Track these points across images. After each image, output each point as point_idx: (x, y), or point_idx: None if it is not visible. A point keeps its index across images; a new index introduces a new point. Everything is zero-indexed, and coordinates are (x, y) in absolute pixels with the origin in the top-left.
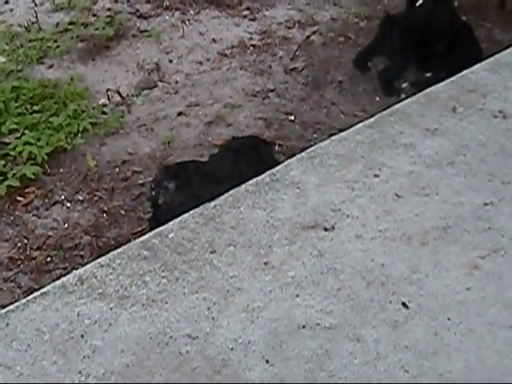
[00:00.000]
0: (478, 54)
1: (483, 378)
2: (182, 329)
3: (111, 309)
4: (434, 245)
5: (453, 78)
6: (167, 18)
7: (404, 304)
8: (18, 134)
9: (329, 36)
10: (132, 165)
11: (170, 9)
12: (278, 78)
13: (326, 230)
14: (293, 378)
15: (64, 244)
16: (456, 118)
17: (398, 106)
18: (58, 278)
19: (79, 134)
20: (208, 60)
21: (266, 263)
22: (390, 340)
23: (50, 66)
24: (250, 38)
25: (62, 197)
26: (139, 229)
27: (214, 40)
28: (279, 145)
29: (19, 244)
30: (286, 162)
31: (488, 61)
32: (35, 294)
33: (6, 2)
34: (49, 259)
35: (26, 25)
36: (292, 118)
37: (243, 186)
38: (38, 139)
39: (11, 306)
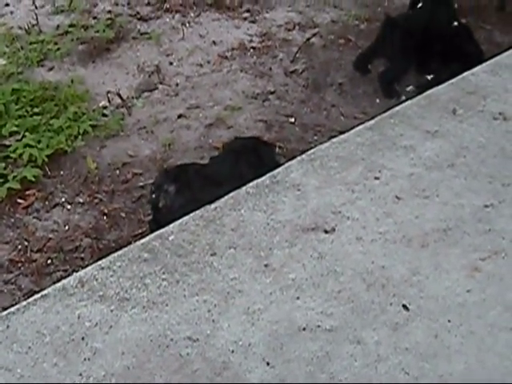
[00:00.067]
0: (479, 55)
1: (484, 380)
2: (183, 331)
3: (112, 311)
4: (434, 247)
5: (453, 80)
6: (167, 20)
7: (404, 306)
8: (19, 137)
9: (329, 38)
10: (132, 167)
11: (171, 11)
12: (279, 81)
13: (326, 232)
14: (293, 380)
15: (64, 246)
16: (456, 120)
17: (398, 108)
18: (59, 280)
19: (79, 137)
20: (208, 62)
21: (266, 265)
22: (391, 342)
23: (51, 69)
24: (250, 41)
25: (63, 199)
26: (140, 231)
27: (214, 42)
28: (279, 147)
29: (20, 246)
30: (286, 165)
31: (488, 63)
32: (36, 296)
33: (7, 5)
34: (49, 261)
35: (26, 27)
36: (292, 120)
37: (243, 188)
38: (39, 141)
39: (12, 309)
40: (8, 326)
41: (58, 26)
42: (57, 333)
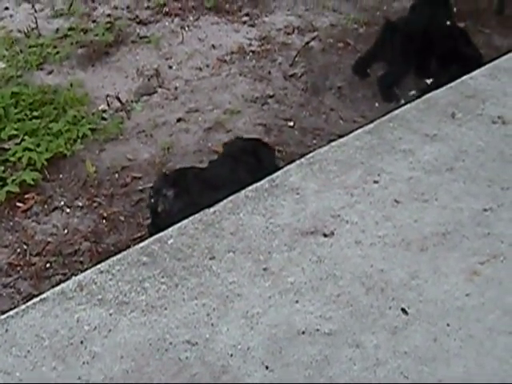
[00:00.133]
0: (478, 59)
1: None
2: (182, 335)
3: (111, 315)
4: (433, 251)
5: (452, 84)
6: (167, 24)
7: (403, 310)
8: (18, 140)
9: (328, 42)
10: (131, 171)
11: (170, 15)
12: (278, 84)
13: (325, 235)
14: None
15: (63, 250)
16: (455, 123)
17: (397, 111)
18: (58, 284)
19: (79, 140)
20: (207, 66)
21: (265, 269)
22: (390, 346)
23: (50, 72)
24: (250, 44)
25: (62, 203)
26: (139, 235)
27: (213, 46)
28: (279, 151)
29: (19, 250)
30: (285, 168)
31: (487, 66)
32: (35, 300)
33: (6, 8)
34: (48, 265)
35: (25, 31)
36: (291, 123)
37: (242, 192)
38: (38, 145)
39: (11, 312)
40: (7, 330)
41: (57, 30)
42: (56, 336)
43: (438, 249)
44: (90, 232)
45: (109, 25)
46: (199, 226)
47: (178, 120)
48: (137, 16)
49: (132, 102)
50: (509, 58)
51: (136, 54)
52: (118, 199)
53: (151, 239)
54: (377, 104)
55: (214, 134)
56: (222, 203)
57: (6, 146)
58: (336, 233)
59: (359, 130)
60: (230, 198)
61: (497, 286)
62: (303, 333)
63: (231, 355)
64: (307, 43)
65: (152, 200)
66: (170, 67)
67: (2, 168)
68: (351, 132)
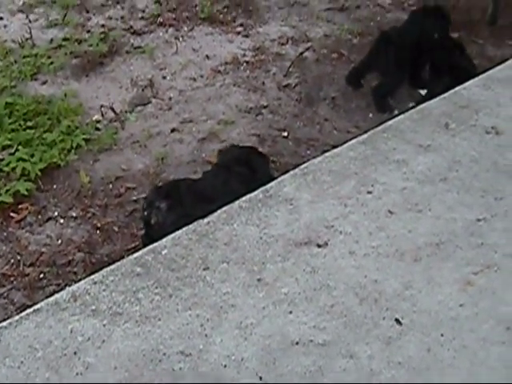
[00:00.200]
0: (472, 70)
1: None
2: (176, 346)
3: (104, 325)
4: (426, 261)
5: (445, 95)
6: (161, 34)
7: (397, 320)
8: (12, 150)
9: (322, 52)
10: (125, 181)
11: (164, 25)
12: (272, 95)
13: (319, 246)
14: None
15: (57, 260)
16: (449, 134)
17: (390, 122)
18: (51, 294)
19: (73, 151)
20: (201, 76)
21: (259, 280)
22: (384, 356)
23: (44, 82)
24: (244, 55)
25: (56, 213)
26: (132, 245)
27: (207, 56)
28: (273, 161)
29: (12, 260)
30: (279, 179)
31: (480, 77)
32: (28, 310)
33: (0, 18)
34: (42, 275)
35: (19, 41)
36: (285, 134)
37: (236, 202)
38: (32, 155)
39: (4, 323)
40: (0, 341)
41: (51, 40)
42: (49, 347)
43: (432, 259)
44: (83, 242)
45: (103, 35)
46: (193, 236)
47: (172, 130)
48: (131, 26)
49: (126, 112)
50: (502, 68)
51: (130, 64)
52: (112, 210)
53: (145, 250)
54: (371, 114)
55: (208, 144)
56: (215, 214)
57: (0, 156)
58: (330, 243)
59: (353, 141)
60: (223, 209)
61: (490, 296)
62: (297, 343)
63: (225, 366)
64: (301, 54)
65: (145, 212)
66: (164, 77)
67: None
68: (345, 142)
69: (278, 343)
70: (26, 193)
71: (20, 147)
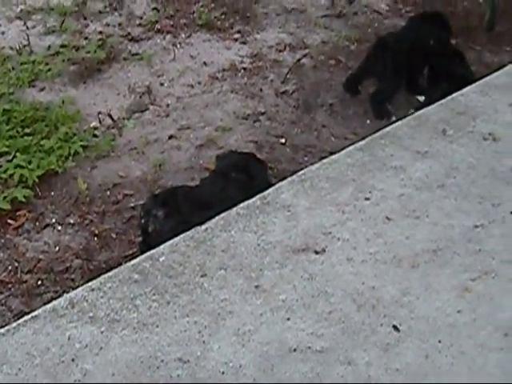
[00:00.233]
0: (470, 78)
1: None
2: (173, 352)
3: (102, 332)
4: (424, 267)
5: (443, 101)
6: (158, 41)
7: (395, 327)
8: (10, 157)
9: (319, 59)
10: (123, 188)
11: (162, 32)
12: (269, 101)
13: (316, 253)
14: None
15: (55, 267)
16: (446, 140)
17: (388, 128)
18: (49, 301)
19: (70, 157)
20: (199, 83)
21: (256, 286)
22: (381, 363)
23: (42, 89)
24: (241, 61)
25: (53, 220)
26: (130, 252)
27: (205, 63)
28: (270, 168)
29: (10, 267)
30: (276, 185)
31: (478, 83)
32: (26, 317)
33: None
34: (40, 282)
35: (17, 48)
36: (283, 140)
37: (234, 209)
38: (30, 162)
39: (2, 330)
40: None
41: (49, 47)
42: (47, 354)
43: (430, 265)
44: (81, 249)
45: (101, 42)
46: (191, 243)
47: (170, 137)
48: (129, 33)
49: (124, 119)
50: (499, 74)
51: (128, 71)
52: (110, 216)
53: (143, 256)
54: (368, 121)
55: (205, 151)
56: (213, 220)
57: None
58: (327, 250)
59: (351, 147)
60: (221, 216)
61: (488, 302)
62: (295, 350)
63: (223, 373)
64: (299, 60)
65: (142, 220)
66: (162, 84)
67: None
68: (343, 149)
69: (275, 350)
70: (23, 200)
71: (18, 154)
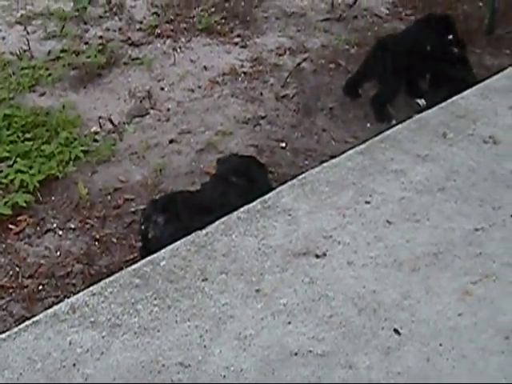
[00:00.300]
0: (471, 80)
1: None
2: (174, 357)
3: (103, 337)
4: (425, 271)
5: (443, 104)
6: (159, 45)
7: (396, 330)
8: (10, 162)
9: (319, 63)
10: (124, 192)
11: (162, 36)
12: (269, 105)
13: (317, 256)
14: None
15: (56, 272)
16: (446, 143)
17: (388, 132)
18: (50, 306)
19: (71, 162)
20: (199, 87)
21: (257, 290)
22: (383, 367)
23: (42, 94)
24: (241, 66)
25: (54, 225)
26: (131, 256)
27: (205, 67)
28: (271, 172)
29: (11, 272)
30: (277, 189)
31: (478, 86)
32: (27, 322)
33: None
34: (41, 287)
35: (17, 53)
36: (283, 144)
37: (235, 213)
38: (30, 167)
39: (3, 335)
40: None
41: (49, 52)
42: (48, 359)
43: (430, 269)
44: (82, 254)
45: (101, 47)
46: (191, 247)
47: (171, 141)
48: (129, 38)
49: (124, 123)
50: (499, 77)
51: (128, 75)
52: (111, 221)
53: (143, 261)
54: (368, 124)
55: (206, 155)
56: (214, 225)
57: None
58: (328, 254)
59: (351, 151)
60: (222, 220)
61: (489, 305)
62: (296, 354)
63: (224, 377)
64: (299, 64)
65: (142, 226)
66: (162, 89)
67: None
68: (343, 153)
69: (276, 354)
70: (24, 205)
71: (18, 159)
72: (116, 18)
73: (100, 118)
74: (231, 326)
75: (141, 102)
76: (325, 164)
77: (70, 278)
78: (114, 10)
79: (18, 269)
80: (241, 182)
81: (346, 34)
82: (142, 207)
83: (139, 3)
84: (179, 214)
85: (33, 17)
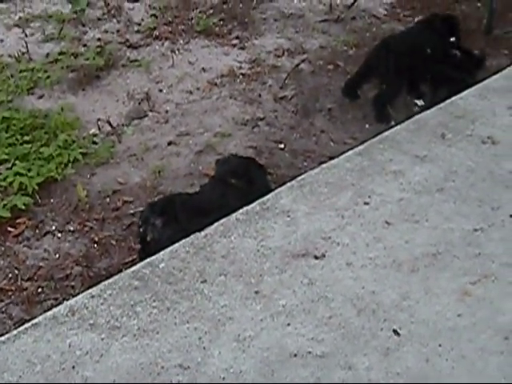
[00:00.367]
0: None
1: None
2: (174, 359)
3: (102, 339)
4: (424, 271)
5: (441, 105)
6: (157, 47)
7: (395, 331)
8: (9, 165)
9: (318, 64)
10: (123, 195)
11: (160, 38)
12: (268, 107)
13: (316, 258)
14: None
15: (55, 275)
16: (445, 144)
17: (387, 133)
18: (50, 308)
19: (70, 165)
20: (198, 89)
21: (256, 292)
22: (382, 367)
23: (41, 97)
24: (240, 67)
25: (53, 227)
26: (130, 259)
27: (203, 69)
28: (269, 173)
29: (10, 275)
30: (276, 191)
31: (476, 87)
32: (26, 325)
33: None
34: (40, 290)
35: (16, 55)
36: (282, 146)
37: (233, 215)
38: (29, 170)
39: (2, 338)
40: None
41: (47, 54)
42: (47, 361)
43: (429, 269)
44: (81, 256)
45: (99, 49)
46: (190, 249)
47: (169, 143)
48: (127, 40)
49: (123, 125)
50: (498, 78)
51: (126, 77)
52: (110, 223)
53: (142, 263)
54: (367, 125)
55: (204, 157)
56: (213, 226)
57: None
58: (327, 255)
59: (349, 152)
60: (220, 221)
61: (488, 306)
62: (295, 355)
63: (223, 378)
64: (297, 65)
65: (141, 229)
66: (161, 91)
67: None
68: (342, 154)
69: (276, 355)
70: (23, 207)
71: (17, 162)
72: (114, 20)
73: (98, 120)
74: (230, 327)
75: (139, 104)
76: (323, 165)
77: (69, 281)
78: (112, 12)
79: (17, 271)
80: (240, 183)
81: (344, 35)
82: (140, 209)
83: (137, 5)
84: (178, 216)
85: (31, 19)
